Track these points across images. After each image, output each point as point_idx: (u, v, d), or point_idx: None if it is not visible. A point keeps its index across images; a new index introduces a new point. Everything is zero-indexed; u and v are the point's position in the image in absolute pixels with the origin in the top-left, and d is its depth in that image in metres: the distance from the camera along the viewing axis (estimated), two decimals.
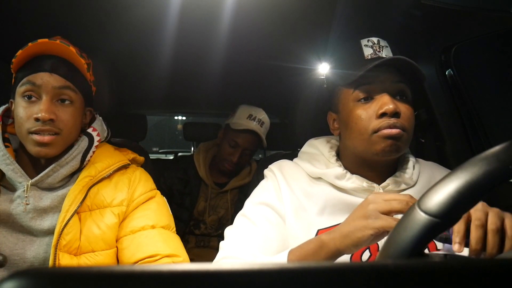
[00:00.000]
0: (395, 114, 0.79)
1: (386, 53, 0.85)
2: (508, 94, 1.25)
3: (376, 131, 0.80)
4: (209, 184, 1.79)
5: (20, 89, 0.87)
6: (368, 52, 0.85)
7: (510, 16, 0.91)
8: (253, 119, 1.74)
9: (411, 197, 0.64)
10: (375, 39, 0.87)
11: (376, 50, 0.85)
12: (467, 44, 1.17)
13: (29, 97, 0.86)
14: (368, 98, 0.83)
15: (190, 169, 1.84)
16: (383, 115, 0.79)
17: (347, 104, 0.86)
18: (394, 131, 0.78)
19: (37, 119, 0.84)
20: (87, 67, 0.94)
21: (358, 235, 0.63)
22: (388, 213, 0.63)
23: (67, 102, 0.89)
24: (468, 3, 0.93)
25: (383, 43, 0.86)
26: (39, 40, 0.86)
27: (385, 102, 0.79)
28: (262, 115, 1.78)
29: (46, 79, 0.86)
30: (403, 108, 0.81)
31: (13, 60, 0.87)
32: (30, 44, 0.86)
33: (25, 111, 0.85)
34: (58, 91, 0.88)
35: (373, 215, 0.63)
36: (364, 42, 0.87)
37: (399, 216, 0.76)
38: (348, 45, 0.90)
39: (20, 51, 0.86)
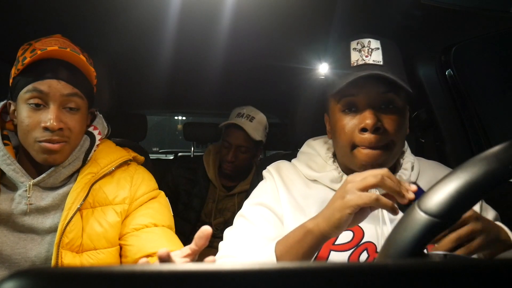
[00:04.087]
0: (377, 129, 0.77)
1: (374, 57, 0.81)
2: (508, 94, 1.25)
3: (356, 145, 0.79)
4: (217, 186, 1.80)
5: (25, 95, 0.84)
6: (354, 58, 0.81)
7: (510, 16, 0.90)
8: (241, 116, 1.74)
9: (388, 170, 0.63)
10: (365, 41, 0.82)
11: (364, 55, 0.81)
12: (467, 44, 1.17)
13: (36, 105, 0.83)
14: (352, 110, 0.81)
15: (199, 170, 1.84)
16: (364, 130, 0.78)
17: (334, 113, 0.85)
18: (372, 152, 0.77)
19: (46, 128, 0.83)
20: (95, 74, 0.94)
21: (337, 216, 0.63)
22: (364, 189, 0.63)
23: (74, 109, 0.88)
24: (468, 3, 0.93)
25: (374, 44, 0.82)
26: (49, 48, 0.83)
27: (366, 117, 0.77)
28: (252, 111, 1.77)
29: (54, 86, 0.84)
30: (388, 120, 0.79)
31: (20, 67, 0.84)
32: (39, 52, 0.83)
33: (32, 119, 0.83)
34: (66, 99, 0.86)
35: (349, 192, 0.63)
36: (353, 45, 0.83)
37: (376, 191, 0.75)
38: (339, 47, 0.86)
39: (28, 59, 0.83)
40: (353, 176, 0.66)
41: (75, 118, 0.88)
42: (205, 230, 0.54)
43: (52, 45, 0.86)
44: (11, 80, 0.89)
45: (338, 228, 0.64)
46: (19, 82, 0.86)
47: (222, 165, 1.79)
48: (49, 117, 0.83)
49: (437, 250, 0.62)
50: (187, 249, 0.56)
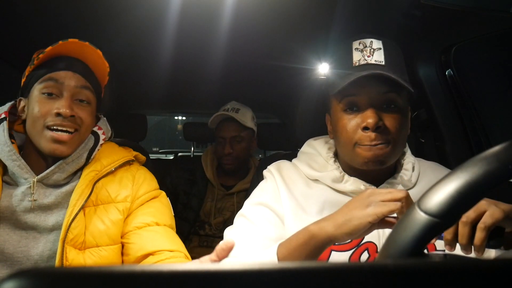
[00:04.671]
0: (378, 128, 0.78)
1: (376, 57, 0.81)
2: (508, 94, 1.25)
3: (358, 143, 0.80)
4: (216, 185, 1.80)
5: (39, 85, 0.87)
6: (356, 57, 0.82)
7: (510, 16, 0.90)
8: (227, 110, 1.79)
9: (408, 193, 0.65)
10: (367, 41, 0.83)
11: (366, 55, 0.81)
12: (467, 44, 1.17)
13: (50, 94, 0.87)
14: (354, 109, 0.82)
15: (197, 170, 1.85)
16: (366, 128, 0.79)
17: (336, 112, 0.86)
18: (374, 148, 0.79)
19: (58, 114, 0.85)
20: (109, 71, 0.97)
21: (355, 223, 0.64)
22: (389, 201, 0.64)
23: (85, 102, 0.91)
24: (468, 3, 0.93)
25: (376, 45, 0.82)
26: (70, 40, 0.88)
27: (367, 116, 0.78)
28: (235, 105, 1.82)
29: (69, 77, 0.88)
30: (390, 119, 0.80)
31: (40, 56, 0.88)
32: (60, 42, 0.87)
33: (44, 106, 0.86)
34: (79, 90, 0.89)
35: (372, 202, 0.64)
36: (355, 45, 0.83)
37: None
38: (341, 47, 0.87)
39: (50, 48, 0.86)
40: (373, 190, 0.67)
41: (86, 110, 0.91)
42: (229, 242, 0.53)
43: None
44: (23, 79, 0.92)
45: (350, 235, 0.65)
46: (33, 77, 0.89)
47: (222, 162, 1.80)
48: (62, 103, 0.86)
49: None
50: (206, 259, 0.55)
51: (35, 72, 0.90)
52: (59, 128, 0.86)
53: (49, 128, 0.85)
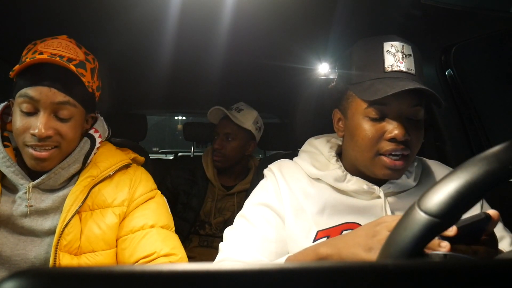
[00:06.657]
0: (404, 141, 0.77)
1: (407, 65, 0.78)
2: (508, 94, 1.25)
3: (381, 153, 0.79)
4: (216, 185, 1.81)
5: (18, 99, 0.84)
6: (389, 62, 0.79)
7: (510, 16, 0.90)
8: (231, 109, 1.80)
9: None
10: (399, 45, 0.80)
11: (398, 60, 0.79)
12: (467, 44, 1.17)
13: (27, 111, 0.83)
14: (380, 117, 0.79)
15: (197, 170, 1.85)
16: (393, 140, 0.77)
17: (356, 115, 0.82)
18: (398, 163, 0.78)
19: (33, 135, 0.82)
20: (89, 81, 0.91)
21: (362, 256, 0.60)
22: None
23: (66, 118, 0.86)
24: (468, 3, 0.93)
25: (407, 50, 0.80)
26: (38, 57, 0.82)
27: (396, 127, 0.77)
28: (241, 105, 1.83)
29: (45, 93, 0.83)
30: (414, 132, 0.79)
31: (11, 73, 0.84)
32: (28, 60, 0.82)
33: (22, 123, 0.83)
34: (57, 106, 0.85)
35: (374, 249, 0.59)
36: (387, 46, 0.80)
37: None
38: (369, 46, 0.83)
39: (17, 66, 0.82)
40: (381, 227, 0.60)
41: (67, 125, 0.87)
42: None
43: (53, 48, 0.86)
44: (15, 79, 0.89)
45: None
46: (16, 84, 0.86)
47: (213, 158, 1.81)
48: (37, 124, 0.82)
49: None
50: None
51: (18, 78, 0.86)
52: (36, 148, 0.83)
53: (27, 145, 0.83)
